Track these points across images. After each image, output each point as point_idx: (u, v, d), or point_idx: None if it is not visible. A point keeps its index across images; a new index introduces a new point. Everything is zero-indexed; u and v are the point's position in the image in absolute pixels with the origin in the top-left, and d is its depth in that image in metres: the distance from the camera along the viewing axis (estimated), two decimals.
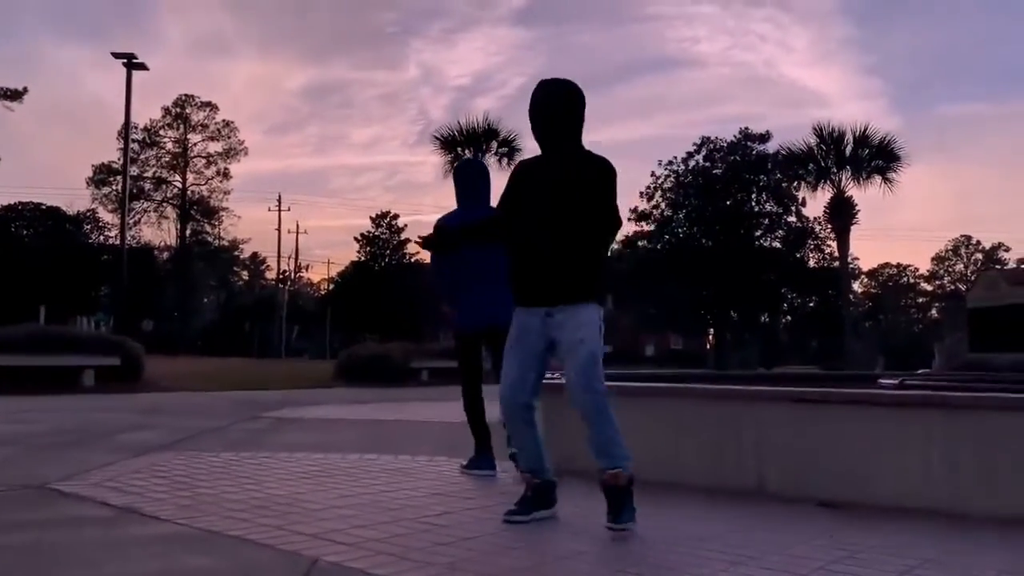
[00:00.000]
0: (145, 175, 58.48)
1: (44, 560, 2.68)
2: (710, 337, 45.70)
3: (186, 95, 60.59)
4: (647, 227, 41.46)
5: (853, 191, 27.81)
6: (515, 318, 3.45)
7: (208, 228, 63.93)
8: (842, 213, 27.44)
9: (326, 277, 73.24)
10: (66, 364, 11.64)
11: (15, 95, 40.60)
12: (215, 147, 61.52)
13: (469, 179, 4.88)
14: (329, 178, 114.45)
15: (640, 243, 41.84)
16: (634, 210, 41.03)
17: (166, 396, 11.41)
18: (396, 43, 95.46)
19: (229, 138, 61.65)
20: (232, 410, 9.19)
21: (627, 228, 41.38)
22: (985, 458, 3.64)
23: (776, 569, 2.69)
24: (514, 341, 3.43)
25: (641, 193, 41.35)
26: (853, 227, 27.75)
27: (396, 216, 61.10)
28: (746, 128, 40.48)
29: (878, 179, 27.39)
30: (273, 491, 4.01)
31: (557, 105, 3.43)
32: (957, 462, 3.70)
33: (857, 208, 27.13)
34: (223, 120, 61.83)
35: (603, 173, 3.40)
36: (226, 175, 61.67)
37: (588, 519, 3.34)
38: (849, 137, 27.65)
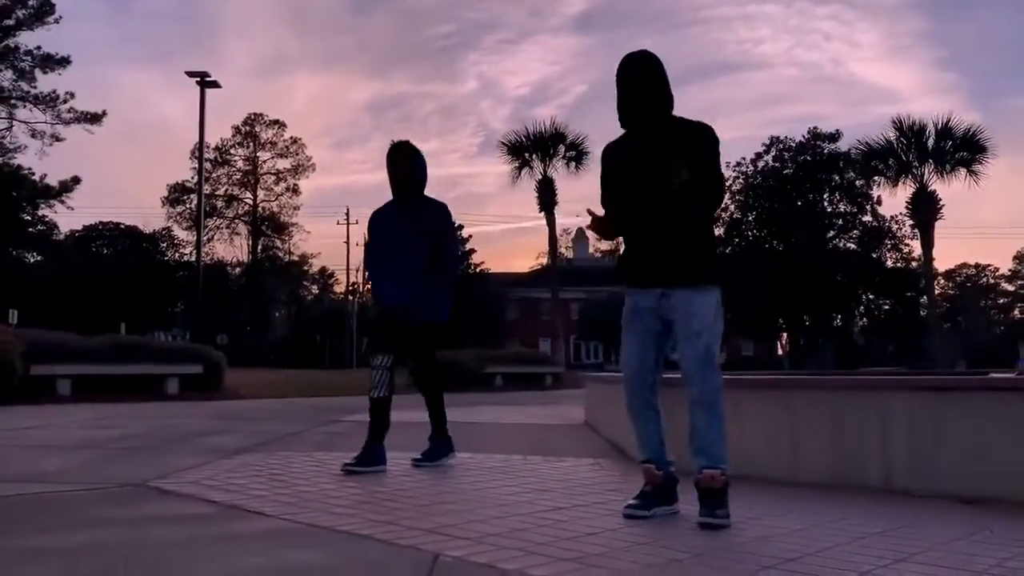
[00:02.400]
0: (217, 193, 59.98)
1: (152, 555, 2.55)
2: (783, 342, 44.61)
3: (255, 114, 62.04)
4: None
5: (936, 185, 26.81)
6: (627, 299, 3.28)
7: (278, 243, 65.25)
8: (925, 207, 26.43)
9: None
10: (152, 372, 11.82)
11: (95, 118, 42.08)
12: (284, 164, 62.81)
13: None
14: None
15: None
16: None
17: (245, 403, 11.48)
18: (454, 56, 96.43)
19: (297, 155, 62.91)
20: (311, 415, 9.16)
21: None
22: None
23: (943, 566, 2.41)
24: (628, 324, 3.26)
25: None
26: (936, 222, 26.68)
27: (460, 227, 61.43)
28: (815, 128, 39.60)
29: (962, 172, 26.33)
30: (374, 488, 3.86)
31: (652, 74, 3.22)
32: None
33: (942, 202, 26.12)
34: (291, 137, 63.14)
35: (706, 139, 3.20)
36: (295, 191, 62.90)
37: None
38: (931, 129, 26.68)
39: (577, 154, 27.02)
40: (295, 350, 59.71)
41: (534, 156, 26.19)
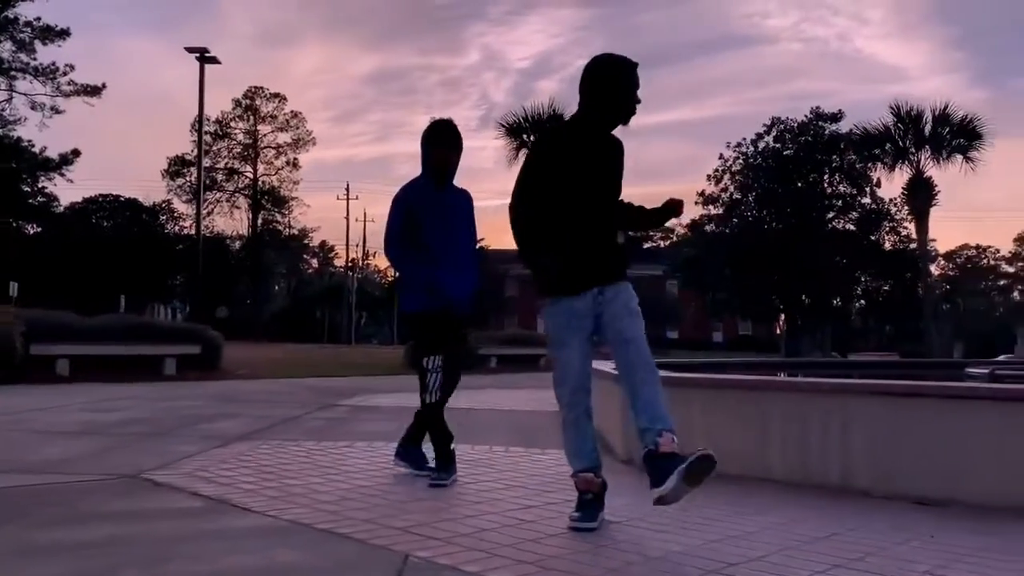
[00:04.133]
0: (217, 166, 59.98)
1: (139, 552, 2.75)
2: (780, 322, 44.81)
3: (255, 87, 61.87)
4: (715, 210, 40.81)
5: (932, 171, 26.91)
6: (558, 307, 3.27)
7: (279, 217, 65.27)
8: (921, 194, 26.53)
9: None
10: (150, 353, 12.03)
11: (95, 91, 41.97)
12: (284, 137, 62.71)
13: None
14: (393, 165, 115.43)
15: (708, 227, 41.22)
16: (701, 193, 40.47)
17: (243, 384, 11.68)
18: (457, 27, 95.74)
19: (297, 128, 62.80)
20: (308, 398, 9.36)
21: (693, 211, 40.82)
22: None
23: (876, 573, 2.60)
24: (568, 330, 3.27)
25: (709, 176, 40.77)
26: (932, 208, 26.81)
27: None
28: (818, 108, 39.49)
29: (959, 158, 26.41)
30: (358, 482, 4.06)
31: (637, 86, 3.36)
32: None
33: (937, 189, 26.23)
34: (291, 111, 62.96)
35: (622, 152, 3.47)
36: (295, 165, 62.86)
37: (672, 515, 3.29)
38: (928, 115, 26.73)
39: None
40: (294, 324, 59.99)
41: (532, 138, 26.21)
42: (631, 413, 3.15)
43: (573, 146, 3.33)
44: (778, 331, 46.39)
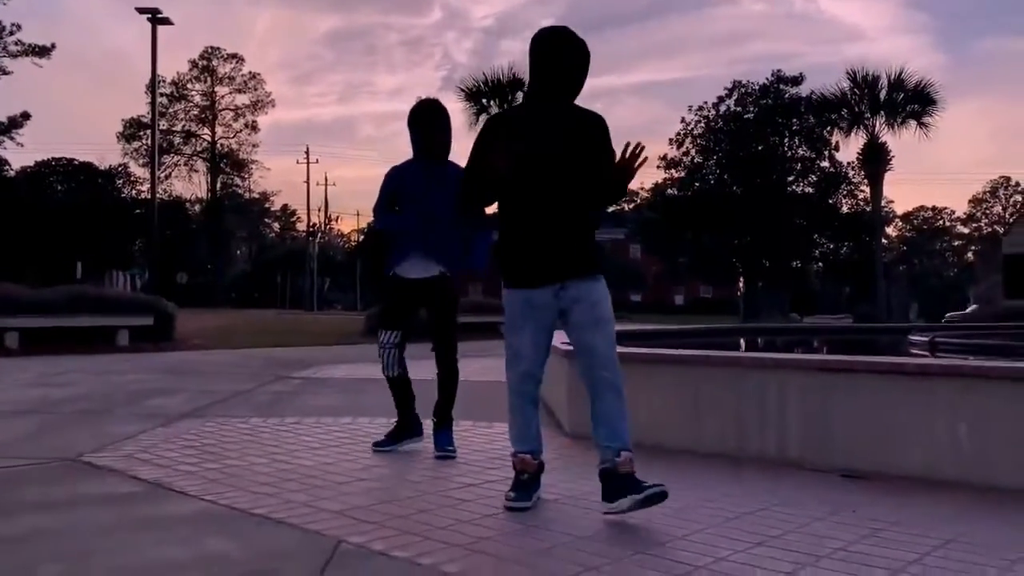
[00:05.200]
0: (174, 129, 58.87)
1: (71, 543, 2.75)
2: (740, 285, 45.37)
3: (212, 47, 60.64)
4: (676, 174, 40.96)
5: (887, 136, 27.25)
6: (515, 296, 3.25)
7: (238, 181, 64.38)
8: (875, 159, 26.89)
9: (356, 228, 73.60)
10: (102, 324, 11.86)
11: (43, 51, 40.80)
12: (242, 99, 61.63)
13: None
14: (355, 127, 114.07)
15: (669, 191, 41.39)
16: (663, 157, 40.54)
17: (196, 356, 11.58)
18: None
19: (256, 90, 61.74)
20: (260, 370, 9.32)
21: (656, 175, 40.95)
22: (1015, 429, 3.59)
23: (793, 550, 2.69)
24: (521, 321, 3.23)
25: (670, 140, 40.79)
26: (887, 172, 27.18)
27: None
28: (779, 71, 39.59)
29: (913, 124, 26.78)
30: (301, 461, 4.07)
31: (587, 58, 3.25)
32: (984, 433, 3.65)
33: (891, 154, 26.61)
34: (249, 72, 61.89)
35: (604, 131, 3.27)
36: (254, 128, 61.90)
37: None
38: (884, 81, 27.05)
39: None
40: (256, 289, 59.45)
41: (492, 103, 26.04)
42: (591, 421, 3.18)
43: (520, 129, 3.19)
44: (738, 293, 46.98)
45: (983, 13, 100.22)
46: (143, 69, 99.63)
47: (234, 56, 60.94)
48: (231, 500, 3.27)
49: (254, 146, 61.96)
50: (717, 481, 3.78)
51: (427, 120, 4.36)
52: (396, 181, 4.44)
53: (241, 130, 61.49)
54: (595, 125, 3.29)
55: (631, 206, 59.62)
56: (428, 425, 4.52)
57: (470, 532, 2.86)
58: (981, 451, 3.66)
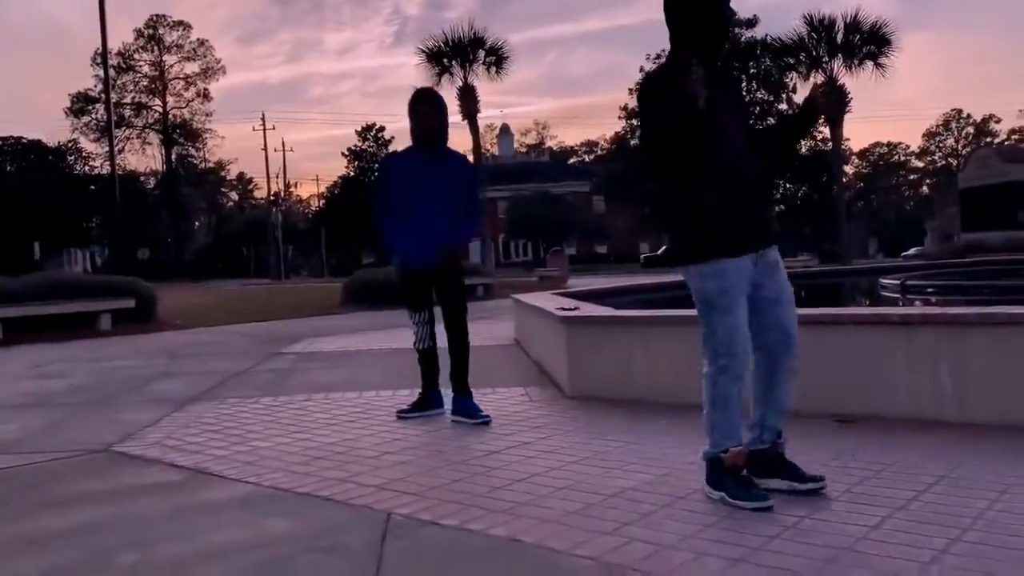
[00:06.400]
0: (124, 101, 57.49)
1: (135, 532, 2.90)
2: None
3: (157, 15, 59.13)
4: (637, 123, 41.11)
5: (845, 78, 27.64)
6: (731, 265, 2.84)
7: (193, 151, 63.33)
8: (834, 101, 27.24)
9: (316, 193, 72.83)
10: (83, 310, 11.82)
11: None
12: (192, 68, 60.40)
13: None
14: (306, 88, 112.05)
15: (633, 142, 41.58)
16: (624, 107, 40.66)
17: (180, 336, 11.58)
18: None
19: (205, 57, 60.50)
20: (250, 348, 9.40)
21: (617, 125, 41.07)
22: (993, 368, 3.89)
23: (810, 495, 2.95)
24: (738, 293, 2.86)
25: (630, 90, 40.83)
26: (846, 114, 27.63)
27: (383, 128, 60.45)
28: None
29: (870, 65, 27.19)
30: (324, 439, 4.25)
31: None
32: (962, 375, 3.94)
33: (850, 96, 27.03)
34: (198, 39, 60.49)
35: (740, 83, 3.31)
36: (206, 96, 60.74)
37: (628, 454, 3.59)
38: (840, 24, 27.46)
39: (497, 59, 26.86)
40: (219, 260, 58.82)
41: (453, 63, 25.89)
42: (757, 400, 3.01)
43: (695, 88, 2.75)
44: None
45: None
46: (85, 42, 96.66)
47: (181, 23, 59.56)
48: (272, 481, 3.45)
49: (207, 115, 60.88)
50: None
51: (423, 107, 4.61)
52: (394, 171, 4.73)
53: (193, 99, 60.34)
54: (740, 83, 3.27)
55: (592, 157, 59.68)
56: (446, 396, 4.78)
57: (506, 497, 3.08)
58: (959, 391, 3.95)
